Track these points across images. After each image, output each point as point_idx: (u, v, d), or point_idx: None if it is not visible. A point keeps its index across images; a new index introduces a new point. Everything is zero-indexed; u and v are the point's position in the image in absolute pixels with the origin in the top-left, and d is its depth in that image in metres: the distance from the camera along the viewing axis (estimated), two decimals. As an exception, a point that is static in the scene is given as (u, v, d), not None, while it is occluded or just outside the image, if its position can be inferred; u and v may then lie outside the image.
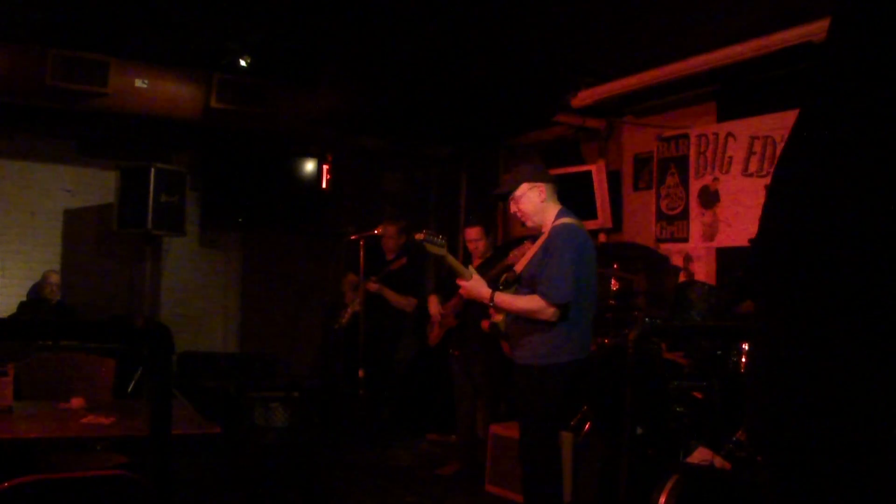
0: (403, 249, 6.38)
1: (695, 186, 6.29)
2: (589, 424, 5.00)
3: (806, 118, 1.09)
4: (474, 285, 3.93)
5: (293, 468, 5.90)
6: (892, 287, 0.94)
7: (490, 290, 3.86)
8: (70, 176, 7.34)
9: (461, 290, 4.03)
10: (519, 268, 3.94)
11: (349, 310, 6.55)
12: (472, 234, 5.69)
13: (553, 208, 3.84)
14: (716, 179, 6.12)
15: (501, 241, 7.54)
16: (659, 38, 5.41)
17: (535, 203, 3.82)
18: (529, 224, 3.90)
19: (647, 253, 6.30)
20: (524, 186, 3.84)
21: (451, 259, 4.11)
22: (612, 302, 5.58)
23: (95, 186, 7.37)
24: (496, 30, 5.44)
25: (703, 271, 6.16)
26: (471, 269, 4.08)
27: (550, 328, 3.66)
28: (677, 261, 6.29)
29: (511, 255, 5.13)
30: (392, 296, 6.24)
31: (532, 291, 3.71)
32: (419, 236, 4.09)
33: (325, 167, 7.76)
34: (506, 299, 3.85)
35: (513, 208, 3.92)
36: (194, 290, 7.82)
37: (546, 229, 3.81)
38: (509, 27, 5.38)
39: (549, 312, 3.63)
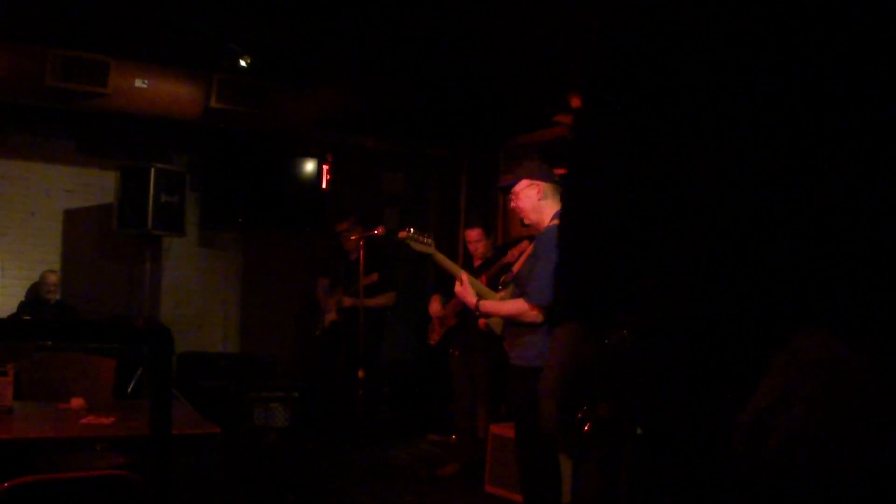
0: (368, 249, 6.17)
1: (695, 186, 6.28)
2: (589, 424, 5.00)
3: None
4: (463, 292, 3.96)
5: (293, 468, 5.90)
6: None
7: (476, 298, 3.89)
8: (70, 176, 7.32)
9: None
10: (516, 268, 3.95)
11: (327, 316, 6.53)
12: (473, 235, 5.69)
13: (551, 208, 3.83)
14: (716, 179, 6.12)
15: (501, 241, 7.54)
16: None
17: (532, 201, 3.83)
18: (527, 221, 3.91)
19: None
20: (523, 183, 3.84)
21: (440, 257, 4.10)
22: (611, 302, 5.56)
23: (95, 186, 7.35)
24: (496, 29, 5.43)
25: (703, 271, 6.15)
26: (462, 271, 4.06)
27: (540, 331, 3.66)
28: (677, 261, 6.28)
29: (509, 254, 5.14)
30: (370, 302, 6.08)
31: (523, 292, 3.73)
32: (403, 234, 4.07)
33: (325, 167, 7.75)
34: (491, 306, 3.89)
35: (512, 204, 3.94)
36: (194, 290, 7.82)
37: (542, 228, 3.82)
38: (509, 27, 5.37)
39: (533, 314, 3.66)
